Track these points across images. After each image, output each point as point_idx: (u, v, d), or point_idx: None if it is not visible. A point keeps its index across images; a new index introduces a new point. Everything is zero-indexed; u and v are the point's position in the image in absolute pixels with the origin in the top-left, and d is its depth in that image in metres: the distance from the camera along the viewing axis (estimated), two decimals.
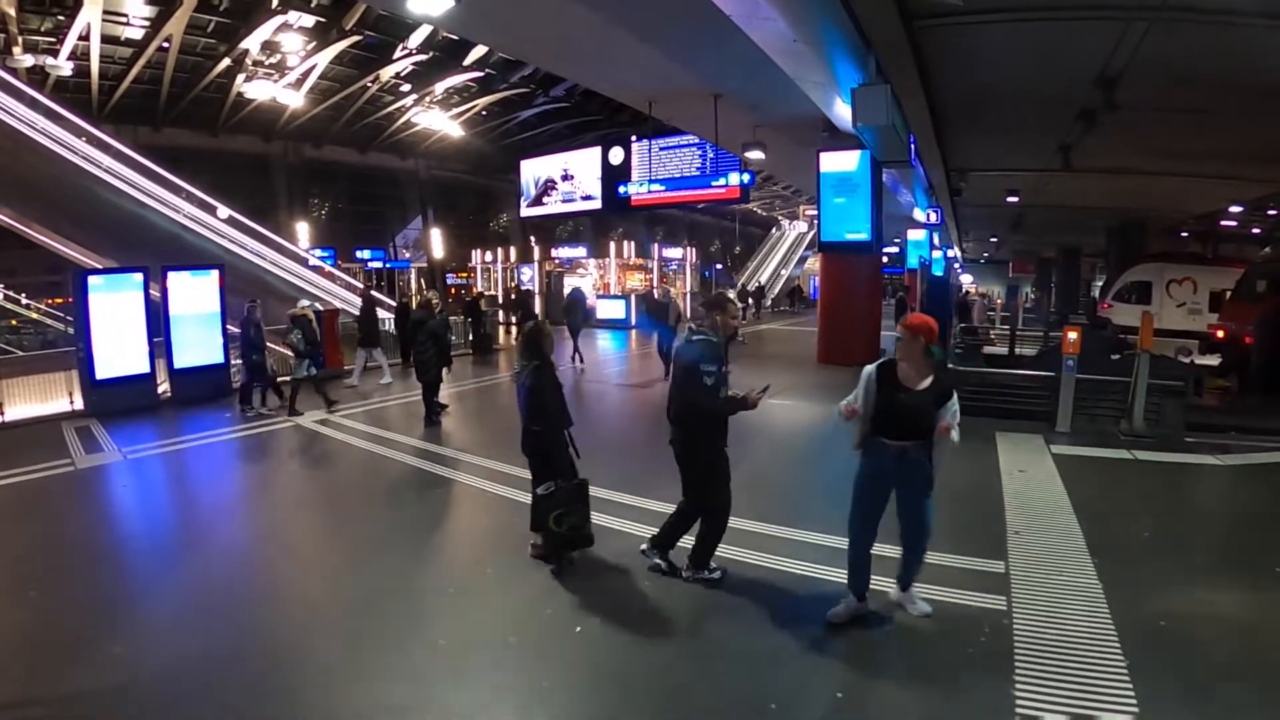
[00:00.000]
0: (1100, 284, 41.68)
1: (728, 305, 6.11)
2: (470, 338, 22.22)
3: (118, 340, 13.14)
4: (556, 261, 38.04)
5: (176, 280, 14.26)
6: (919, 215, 30.83)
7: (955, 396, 5.07)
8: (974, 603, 5.57)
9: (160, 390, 14.08)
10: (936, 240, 36.73)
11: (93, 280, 13.17)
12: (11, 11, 26.11)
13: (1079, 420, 11.33)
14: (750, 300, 40.10)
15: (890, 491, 5.20)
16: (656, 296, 18.21)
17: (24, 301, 35.07)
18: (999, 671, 4.61)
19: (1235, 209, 26.69)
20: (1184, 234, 34.98)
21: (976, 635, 5.10)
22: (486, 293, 34.83)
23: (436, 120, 42.62)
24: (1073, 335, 11.58)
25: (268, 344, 13.50)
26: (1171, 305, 24.46)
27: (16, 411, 12.48)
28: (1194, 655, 4.88)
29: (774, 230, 63.13)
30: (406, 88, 39.45)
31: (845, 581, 5.44)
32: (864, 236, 18.39)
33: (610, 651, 4.97)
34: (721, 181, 22.39)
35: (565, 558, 6.28)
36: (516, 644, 5.04)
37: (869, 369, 5.17)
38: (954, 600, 5.62)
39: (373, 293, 20.81)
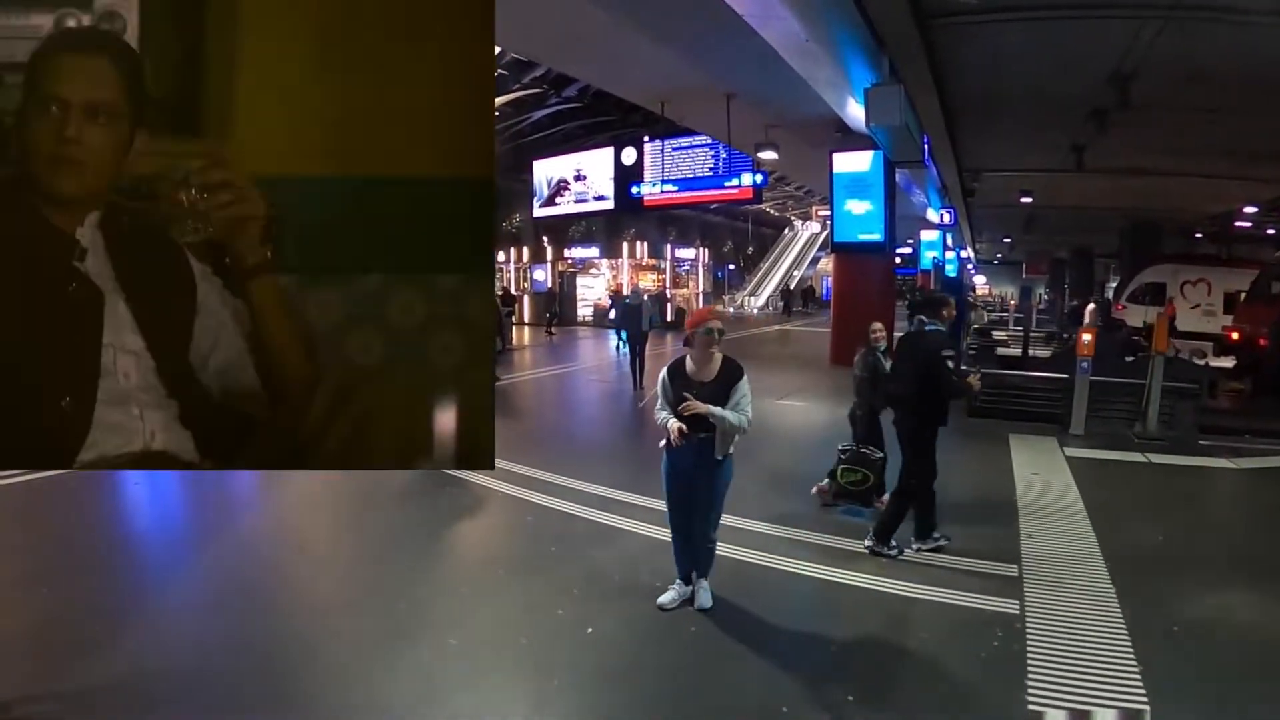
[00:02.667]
0: (1114, 285, 41.49)
1: (950, 301, 7.07)
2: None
3: None
4: (569, 262, 38.07)
5: None
6: (932, 216, 30.75)
7: (745, 380, 5.22)
8: (987, 606, 5.54)
9: None
10: (950, 241, 36.63)
11: None
12: None
13: (1093, 422, 11.28)
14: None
15: (692, 480, 5.36)
16: (630, 301, 18.92)
17: None
18: (1011, 675, 4.58)
19: (1250, 209, 26.49)
20: (1198, 235, 34.75)
21: (989, 639, 5.07)
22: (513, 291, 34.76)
23: None
24: (1087, 337, 11.53)
25: None
26: (1186, 307, 24.32)
27: None
28: (1208, 660, 4.85)
29: (786, 231, 62.97)
30: None
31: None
32: (877, 237, 18.37)
33: (621, 652, 4.96)
34: (734, 182, 22.32)
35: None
36: (527, 644, 5.04)
37: (663, 373, 5.32)
38: (967, 603, 5.60)
39: None
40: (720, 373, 5.16)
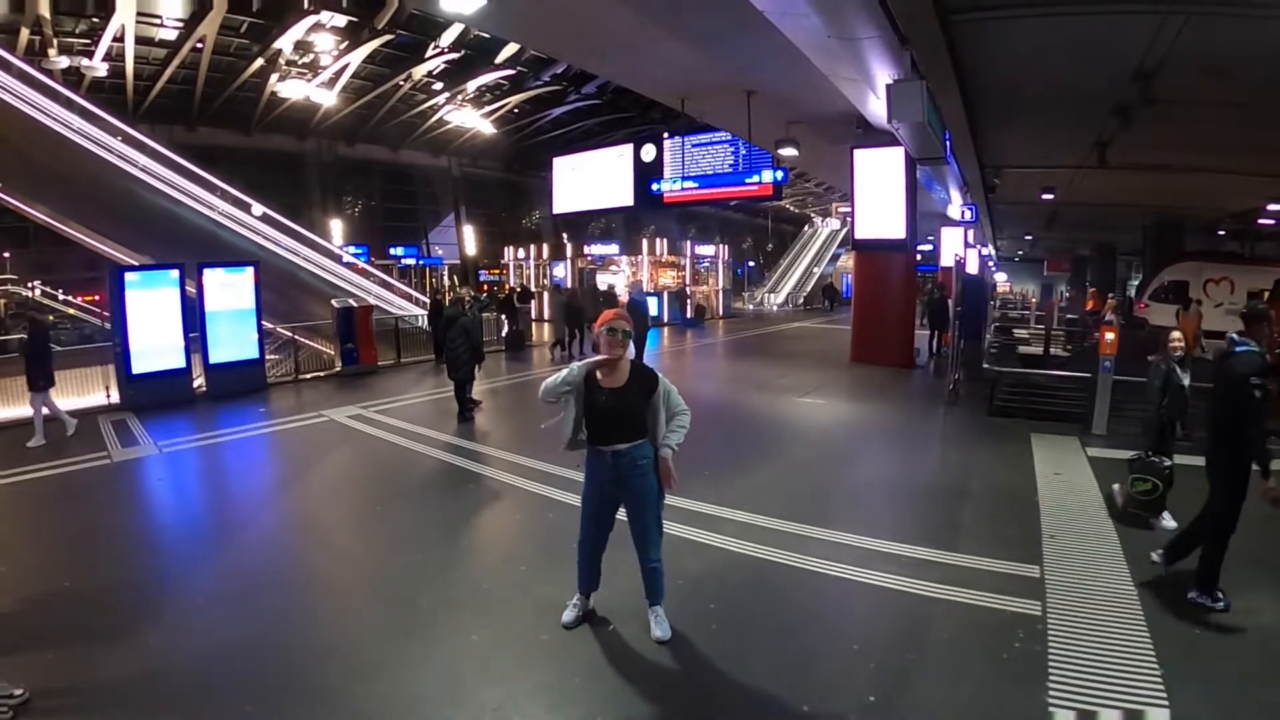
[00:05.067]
0: (1136, 283, 41.15)
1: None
2: (504, 333, 22.44)
3: (154, 335, 13.33)
4: (589, 258, 38.08)
5: (212, 277, 14.45)
6: (953, 212, 30.55)
7: (661, 384, 4.99)
8: (1008, 607, 5.51)
9: (195, 385, 14.26)
10: (971, 238, 36.38)
11: (129, 277, 13.36)
12: (46, 14, 26.54)
13: (1115, 422, 11.17)
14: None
15: (614, 498, 5.13)
16: (634, 297, 19.01)
17: (60, 297, 35.64)
18: (1033, 676, 4.57)
19: (1273, 207, 26.20)
20: (1221, 232, 34.42)
21: (1011, 640, 5.05)
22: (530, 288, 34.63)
23: (468, 118, 42.92)
24: (1110, 336, 11.42)
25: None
26: (1209, 305, 24.10)
27: (54, 405, 12.63)
28: (1230, 662, 4.82)
29: (806, 228, 62.72)
30: (438, 86, 39.77)
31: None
32: (898, 234, 18.26)
33: (643, 650, 4.97)
34: (754, 178, 22.25)
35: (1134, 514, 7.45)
36: (549, 640, 5.05)
37: (583, 362, 5.06)
38: (988, 604, 5.57)
39: (45, 317, 14.05)
40: (630, 379, 4.95)
